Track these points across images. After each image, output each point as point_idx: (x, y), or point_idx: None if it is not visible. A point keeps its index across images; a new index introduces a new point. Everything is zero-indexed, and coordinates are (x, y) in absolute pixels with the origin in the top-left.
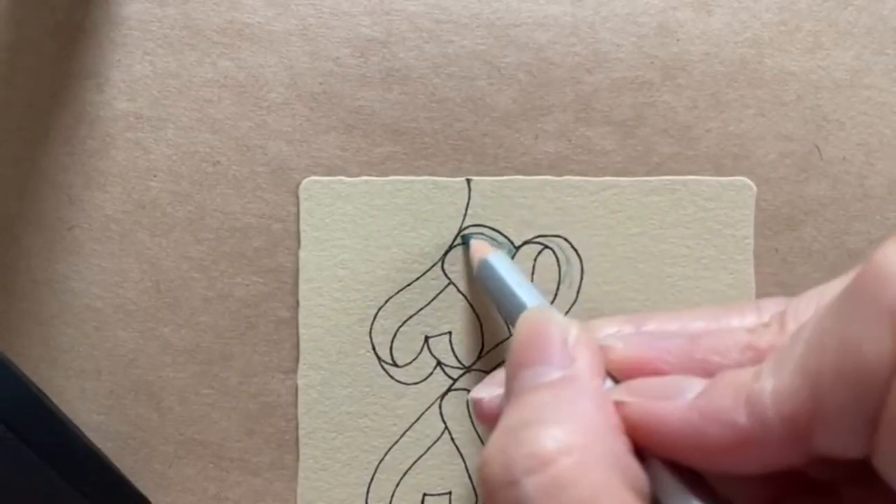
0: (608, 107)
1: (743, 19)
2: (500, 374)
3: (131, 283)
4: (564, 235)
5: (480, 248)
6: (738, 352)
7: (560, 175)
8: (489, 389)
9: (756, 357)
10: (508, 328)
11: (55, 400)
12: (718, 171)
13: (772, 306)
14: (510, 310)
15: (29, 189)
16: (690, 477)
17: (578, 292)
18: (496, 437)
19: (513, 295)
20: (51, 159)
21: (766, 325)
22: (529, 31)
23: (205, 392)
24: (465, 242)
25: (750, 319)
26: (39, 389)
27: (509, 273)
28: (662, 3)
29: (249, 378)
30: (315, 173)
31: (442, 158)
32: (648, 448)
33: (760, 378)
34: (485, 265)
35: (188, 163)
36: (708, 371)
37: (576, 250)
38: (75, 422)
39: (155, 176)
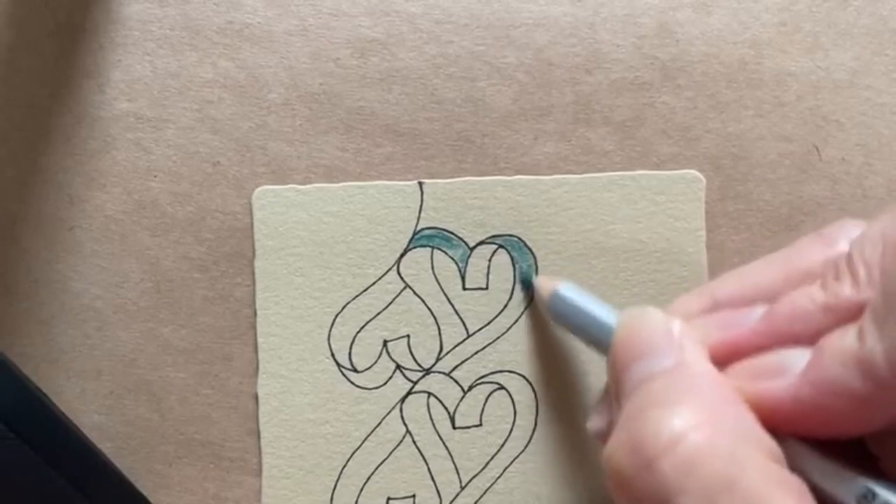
0: (607, 107)
1: (742, 20)
2: (605, 400)
3: (131, 283)
4: (518, 234)
5: (546, 283)
6: (819, 313)
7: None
8: (604, 416)
9: (838, 315)
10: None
11: (55, 400)
12: (717, 171)
13: (837, 235)
14: (595, 332)
15: (29, 189)
16: (819, 448)
17: (534, 291)
18: (619, 430)
19: (594, 317)
20: (51, 159)
21: (837, 279)
22: (529, 32)
23: (205, 392)
24: (528, 284)
25: (817, 254)
26: (39, 389)
27: (585, 299)
28: (662, 3)
29: (249, 378)
30: (315, 173)
31: (442, 159)
32: (766, 427)
33: (866, 339)
34: (557, 297)
35: (188, 163)
36: (795, 339)
37: (530, 249)
38: (75, 422)
39: (155, 176)
